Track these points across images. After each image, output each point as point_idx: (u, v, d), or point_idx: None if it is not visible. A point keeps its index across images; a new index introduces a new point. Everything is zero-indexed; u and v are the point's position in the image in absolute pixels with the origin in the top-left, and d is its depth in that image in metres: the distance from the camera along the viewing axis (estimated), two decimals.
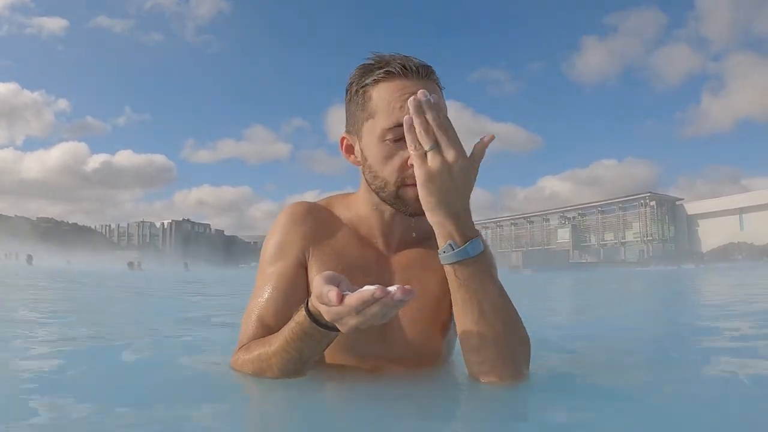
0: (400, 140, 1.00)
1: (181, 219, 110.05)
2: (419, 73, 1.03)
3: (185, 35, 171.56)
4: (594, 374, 1.30)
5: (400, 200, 1.05)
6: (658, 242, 59.57)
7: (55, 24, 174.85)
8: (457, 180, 0.93)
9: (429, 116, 0.93)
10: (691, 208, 60.50)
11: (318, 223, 1.14)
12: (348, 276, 1.03)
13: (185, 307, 4.18)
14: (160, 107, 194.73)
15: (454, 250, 0.95)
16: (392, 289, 0.79)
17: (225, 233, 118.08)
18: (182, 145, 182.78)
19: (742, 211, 55.08)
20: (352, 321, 0.83)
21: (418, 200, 0.98)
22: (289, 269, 1.10)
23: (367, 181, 1.09)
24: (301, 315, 0.93)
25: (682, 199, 62.44)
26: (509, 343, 0.98)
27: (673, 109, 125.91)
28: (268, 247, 1.13)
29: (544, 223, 70.56)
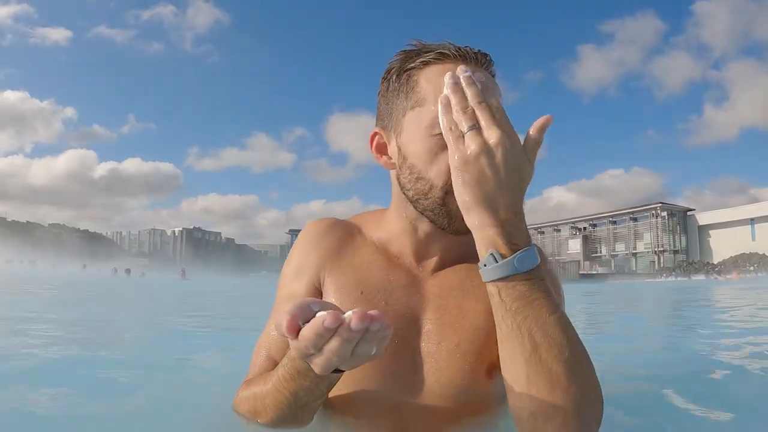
0: None
1: (192, 227, 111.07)
2: (477, 60, 0.85)
3: (185, 45, 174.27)
4: None
5: (445, 210, 0.85)
6: (669, 253, 59.46)
7: (58, 34, 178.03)
8: (502, 168, 0.72)
9: (469, 92, 0.76)
10: (703, 218, 60.27)
11: (338, 241, 0.98)
12: (369, 300, 0.89)
13: None
14: (163, 116, 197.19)
15: (497, 262, 0.73)
16: (349, 315, 0.57)
17: (235, 241, 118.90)
18: (186, 153, 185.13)
19: (753, 221, 54.93)
20: (317, 360, 0.63)
21: None
22: (301, 295, 0.95)
23: (402, 186, 0.89)
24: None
25: (693, 209, 62.32)
26: (572, 392, 0.72)
27: (675, 118, 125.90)
28: (285, 269, 1.01)
29: (555, 233, 70.55)
